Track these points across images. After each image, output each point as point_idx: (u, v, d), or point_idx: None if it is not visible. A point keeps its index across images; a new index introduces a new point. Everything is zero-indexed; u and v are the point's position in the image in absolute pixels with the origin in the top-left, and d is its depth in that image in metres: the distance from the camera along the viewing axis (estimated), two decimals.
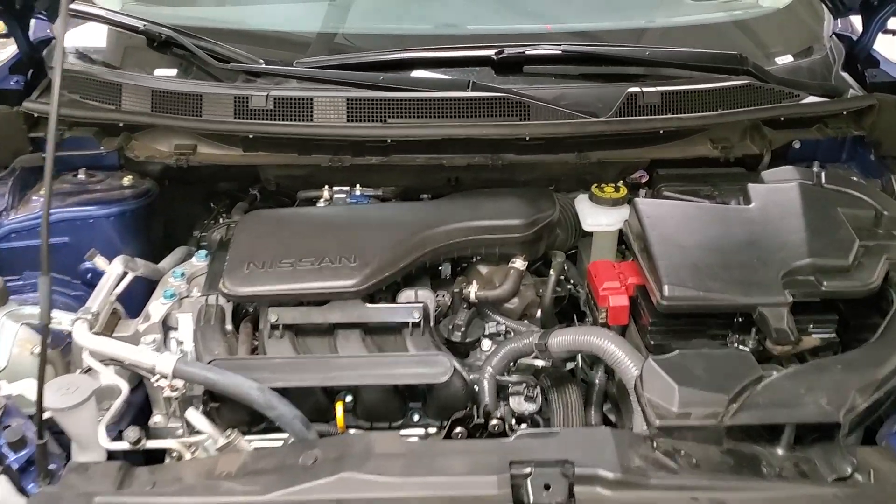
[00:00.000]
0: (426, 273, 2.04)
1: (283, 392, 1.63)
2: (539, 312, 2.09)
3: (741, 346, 1.78)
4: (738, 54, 2.31)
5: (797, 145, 2.43)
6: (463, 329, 1.93)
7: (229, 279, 1.84)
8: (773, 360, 1.77)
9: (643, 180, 2.30)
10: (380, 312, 1.87)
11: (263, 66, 2.26)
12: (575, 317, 2.16)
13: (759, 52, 2.50)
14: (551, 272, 2.08)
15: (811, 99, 2.38)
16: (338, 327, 1.87)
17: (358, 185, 2.21)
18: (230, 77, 2.27)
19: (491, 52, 2.26)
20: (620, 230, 2.12)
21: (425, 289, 1.96)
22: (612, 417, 1.95)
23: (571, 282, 2.26)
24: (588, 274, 2.02)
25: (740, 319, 1.78)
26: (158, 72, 2.35)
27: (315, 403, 1.77)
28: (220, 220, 2.36)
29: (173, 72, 2.34)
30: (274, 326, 1.84)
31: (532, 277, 2.14)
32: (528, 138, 2.14)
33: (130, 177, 2.29)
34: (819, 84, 2.47)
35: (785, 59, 2.56)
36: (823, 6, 2.67)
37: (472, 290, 1.99)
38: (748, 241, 1.87)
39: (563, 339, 1.82)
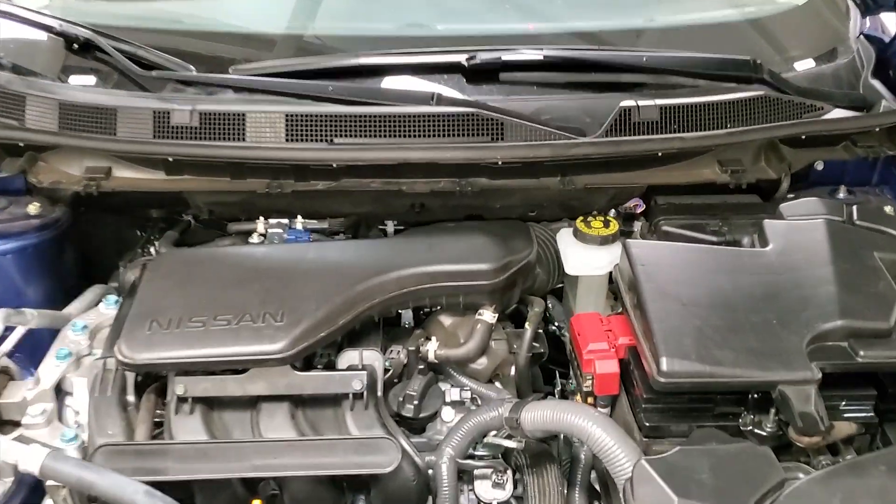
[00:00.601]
0: (378, 324, 1.70)
1: (192, 485, 1.30)
2: (513, 371, 1.75)
3: (757, 430, 1.44)
4: (751, 59, 1.97)
5: (820, 167, 2.08)
6: (416, 402, 1.59)
7: (127, 342, 1.50)
8: (796, 448, 1.43)
9: (638, 210, 1.96)
10: (313, 381, 1.53)
11: (193, 73, 1.92)
12: (557, 374, 1.82)
13: (774, 57, 2.16)
14: (527, 326, 1.74)
15: (837, 112, 2.02)
16: (261, 400, 1.53)
17: (300, 217, 1.86)
18: (156, 87, 1.93)
19: (461, 58, 1.92)
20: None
21: (373, 349, 1.62)
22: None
23: (556, 324, 1.92)
24: (570, 329, 1.67)
25: (756, 395, 1.44)
26: (74, 80, 2.00)
27: (231, 498, 1.44)
28: (149, 251, 2.02)
29: (92, 81, 1.99)
30: (182, 399, 1.49)
31: (506, 328, 1.80)
32: (500, 163, 1.79)
33: (37, 204, 1.94)
34: (845, 94, 2.12)
35: (805, 65, 2.21)
36: (849, 2, 2.31)
37: (431, 349, 1.65)
38: (765, 295, 1.53)
39: (540, 415, 1.48)
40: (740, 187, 1.97)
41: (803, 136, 1.98)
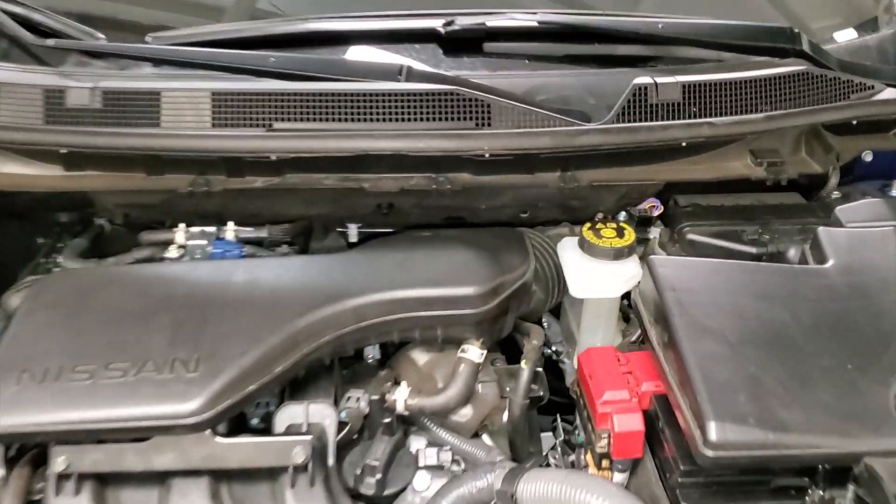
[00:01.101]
0: (332, 364, 1.33)
1: None
2: (506, 417, 1.38)
3: None
4: (788, 28, 1.61)
5: (868, 158, 1.73)
6: (380, 475, 1.22)
7: None
8: None
9: (655, 213, 1.59)
10: (240, 451, 1.15)
11: (100, 42, 1.52)
12: (559, 419, 1.46)
13: (808, 25, 1.80)
14: (522, 364, 1.37)
15: (890, 92, 1.67)
16: (172, 474, 1.15)
17: (231, 224, 1.47)
18: (55, 59, 1.53)
19: (437, 23, 1.54)
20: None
21: (323, 401, 1.24)
22: None
23: (553, 347, 1.56)
24: (578, 369, 1.31)
25: (829, 467, 1.08)
26: None
27: None
28: (53, 262, 1.61)
29: None
30: (64, 476, 1.11)
31: (496, 363, 1.43)
32: (487, 155, 1.42)
33: None
34: (893, 70, 1.76)
35: (846, 35, 1.85)
36: None
37: (401, 397, 1.28)
38: (833, 329, 1.18)
39: (541, 489, 1.12)
40: (779, 184, 1.60)
41: (854, 122, 1.62)
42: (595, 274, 1.38)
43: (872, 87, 1.64)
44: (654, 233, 1.58)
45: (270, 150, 1.39)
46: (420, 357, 1.37)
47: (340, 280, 1.30)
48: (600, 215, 1.61)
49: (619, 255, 1.38)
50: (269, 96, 1.39)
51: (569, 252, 1.43)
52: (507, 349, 1.51)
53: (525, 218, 1.63)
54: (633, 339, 1.45)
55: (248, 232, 1.47)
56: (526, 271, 1.38)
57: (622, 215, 1.60)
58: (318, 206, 1.57)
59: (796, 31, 1.62)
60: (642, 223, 1.59)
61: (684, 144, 1.50)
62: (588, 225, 1.44)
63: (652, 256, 1.28)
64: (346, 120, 1.40)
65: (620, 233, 1.42)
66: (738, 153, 1.63)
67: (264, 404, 1.26)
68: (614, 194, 1.60)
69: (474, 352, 1.32)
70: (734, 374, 1.08)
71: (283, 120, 1.39)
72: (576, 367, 1.54)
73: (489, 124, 1.41)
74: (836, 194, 1.64)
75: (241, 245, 1.43)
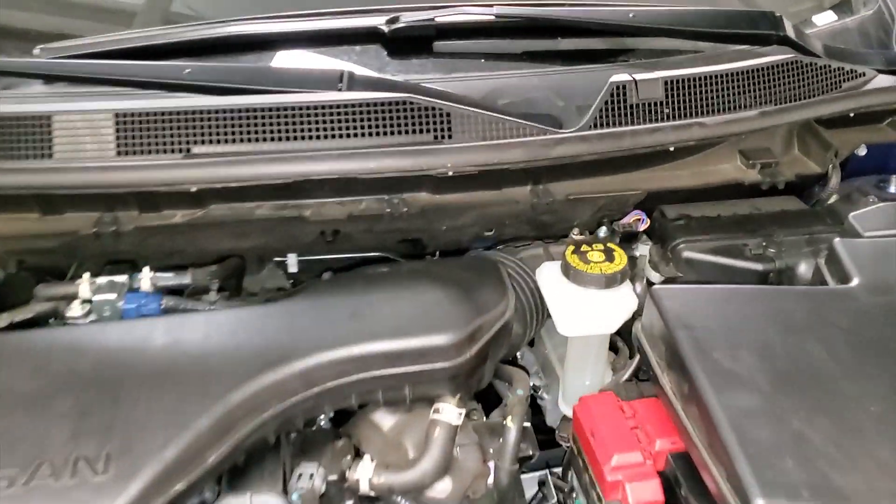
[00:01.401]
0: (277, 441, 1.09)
1: None
2: (490, 482, 1.16)
3: None
4: (770, 13, 1.45)
5: (862, 152, 1.56)
6: None
7: None
8: None
9: (641, 227, 1.39)
10: None
11: None
12: (549, 479, 1.25)
13: (785, 8, 1.64)
14: (508, 422, 1.15)
15: (882, 80, 1.51)
16: None
17: (146, 269, 1.22)
18: None
19: (379, 21, 1.33)
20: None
21: (268, 491, 1.01)
22: None
23: (532, 385, 1.36)
24: (574, 422, 1.11)
25: None
26: None
27: None
28: None
29: None
30: None
31: (475, 417, 1.21)
32: (450, 173, 1.20)
33: None
34: (880, 54, 1.61)
35: (825, 18, 1.69)
36: None
37: (364, 475, 1.06)
38: (875, 362, 1.00)
39: None
40: (775, 188, 1.43)
41: (852, 114, 1.45)
42: (585, 307, 1.17)
43: (863, 73, 1.48)
44: (642, 250, 1.39)
45: (190, 180, 1.15)
46: (384, 420, 1.15)
47: (283, 337, 1.06)
48: (576, 231, 1.42)
49: (611, 282, 1.18)
50: (186, 115, 1.16)
51: (551, 282, 1.21)
52: (483, 393, 1.30)
53: (489, 236, 1.42)
54: (627, 375, 1.26)
55: (168, 278, 1.22)
56: (506, 309, 1.17)
57: (602, 231, 1.40)
58: (251, 239, 1.33)
59: (778, 15, 1.45)
60: (626, 239, 1.40)
61: (672, 149, 1.31)
62: (571, 247, 1.23)
63: (655, 287, 1.08)
64: (279, 139, 1.17)
65: (609, 255, 1.22)
66: (726, 155, 1.46)
67: (197, 497, 1.02)
68: (591, 207, 1.40)
69: (450, 412, 1.10)
70: (776, 433, 0.89)
71: (203, 143, 1.16)
72: (559, 405, 1.34)
73: (450, 136, 1.20)
74: (834, 197, 1.47)
75: (159, 296, 1.18)
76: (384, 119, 1.18)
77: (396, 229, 1.35)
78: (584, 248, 1.23)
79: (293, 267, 1.42)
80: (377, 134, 1.19)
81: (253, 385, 0.99)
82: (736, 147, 1.45)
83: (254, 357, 1.02)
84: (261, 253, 1.40)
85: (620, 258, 1.21)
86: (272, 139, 1.17)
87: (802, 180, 1.46)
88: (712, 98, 1.32)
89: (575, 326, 1.18)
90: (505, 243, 1.44)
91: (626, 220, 1.39)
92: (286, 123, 1.17)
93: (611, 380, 1.28)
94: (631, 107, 1.28)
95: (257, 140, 1.16)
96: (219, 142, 1.15)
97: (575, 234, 1.42)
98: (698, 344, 0.99)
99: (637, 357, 1.25)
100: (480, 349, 1.11)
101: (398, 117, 1.19)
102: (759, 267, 1.26)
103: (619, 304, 1.18)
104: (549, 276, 1.23)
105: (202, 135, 1.15)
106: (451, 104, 1.20)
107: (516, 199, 1.34)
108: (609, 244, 1.25)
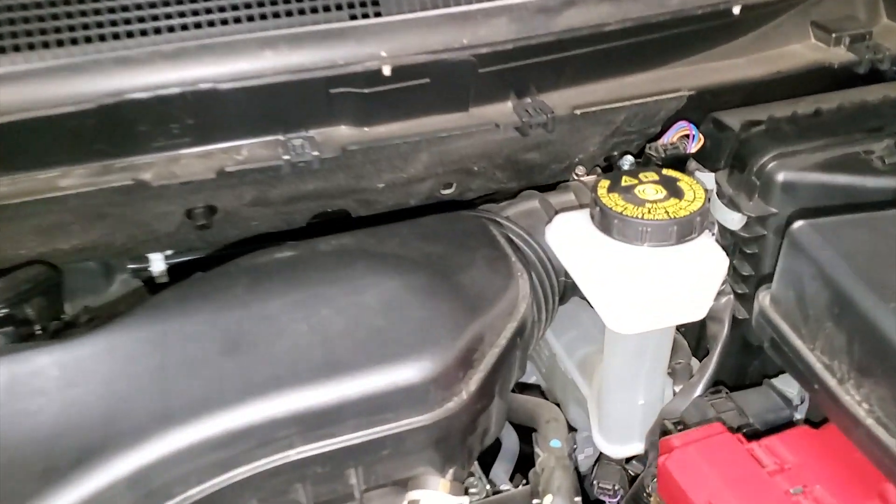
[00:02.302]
0: None
1: None
2: None
3: None
4: None
5: None
6: None
7: None
8: None
9: (692, 147, 0.89)
10: None
11: None
12: None
13: None
14: (548, 501, 0.64)
15: None
16: None
17: None
18: None
19: None
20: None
21: None
22: None
23: None
24: (660, 486, 0.60)
25: None
26: None
27: None
28: None
29: None
30: None
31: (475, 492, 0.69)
32: (387, 72, 0.68)
33: None
34: None
35: None
36: None
37: None
38: None
39: None
40: (876, 70, 0.94)
41: None
42: (652, 281, 0.67)
43: None
44: (702, 178, 0.88)
45: None
46: None
47: (94, 408, 0.53)
48: (581, 171, 0.93)
49: (686, 230, 0.68)
50: None
51: (579, 244, 0.70)
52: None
53: (449, 194, 0.92)
54: (703, 384, 0.77)
55: None
56: (517, 300, 0.65)
57: (628, 162, 0.91)
58: (71, 233, 0.80)
59: None
60: (670, 165, 0.89)
61: (738, 10, 0.82)
62: (605, 183, 0.72)
63: (797, 224, 0.59)
64: (79, 42, 0.64)
65: (671, 186, 0.72)
66: (796, 31, 0.97)
67: None
68: (604, 128, 0.90)
69: (436, 500, 0.58)
70: None
71: None
72: (594, 437, 0.85)
73: (377, 6, 0.69)
74: None
75: None
76: None
77: (305, 195, 0.84)
78: (626, 179, 0.72)
79: (159, 271, 0.90)
80: (251, 18, 0.67)
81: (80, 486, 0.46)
82: (807, 18, 0.97)
83: (36, 458, 0.49)
84: (101, 256, 0.88)
85: (693, 190, 0.71)
86: (65, 41, 0.64)
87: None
88: None
89: (639, 316, 0.67)
90: (469, 206, 0.94)
91: (666, 138, 0.89)
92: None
93: (678, 394, 0.79)
94: None
95: (42, 46, 0.63)
96: None
97: (580, 175, 0.93)
98: None
99: (717, 350, 0.77)
100: (484, 381, 0.59)
101: None
102: (892, 184, 0.77)
103: (707, 267, 0.68)
104: (571, 235, 0.72)
105: None
106: None
107: (493, 123, 0.83)
108: (664, 170, 0.74)
